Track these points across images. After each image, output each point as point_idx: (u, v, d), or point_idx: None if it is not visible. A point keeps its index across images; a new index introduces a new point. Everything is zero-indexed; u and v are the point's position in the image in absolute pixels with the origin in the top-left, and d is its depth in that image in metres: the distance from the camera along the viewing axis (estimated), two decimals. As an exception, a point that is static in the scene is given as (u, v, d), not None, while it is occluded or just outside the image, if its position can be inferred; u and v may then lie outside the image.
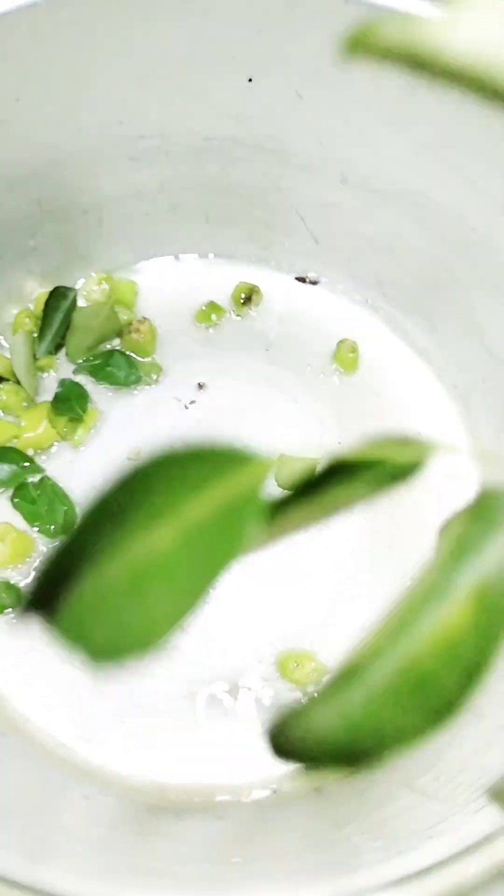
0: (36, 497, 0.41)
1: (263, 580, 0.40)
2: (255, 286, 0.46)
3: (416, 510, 0.40)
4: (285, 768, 0.37)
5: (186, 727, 0.38)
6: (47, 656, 0.39)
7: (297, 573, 0.40)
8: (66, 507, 0.41)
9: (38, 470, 0.41)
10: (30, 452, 0.41)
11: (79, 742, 0.37)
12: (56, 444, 0.42)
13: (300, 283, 0.46)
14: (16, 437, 0.41)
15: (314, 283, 0.46)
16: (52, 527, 0.41)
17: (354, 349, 0.44)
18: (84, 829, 0.34)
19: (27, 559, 0.40)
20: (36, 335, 0.43)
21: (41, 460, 0.42)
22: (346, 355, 0.44)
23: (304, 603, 0.40)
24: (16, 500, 0.41)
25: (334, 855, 0.28)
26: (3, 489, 0.41)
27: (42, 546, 0.40)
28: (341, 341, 0.45)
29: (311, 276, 0.46)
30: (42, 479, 0.41)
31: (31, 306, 0.44)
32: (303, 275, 0.46)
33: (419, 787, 0.33)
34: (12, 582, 0.39)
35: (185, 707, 0.38)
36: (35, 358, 0.43)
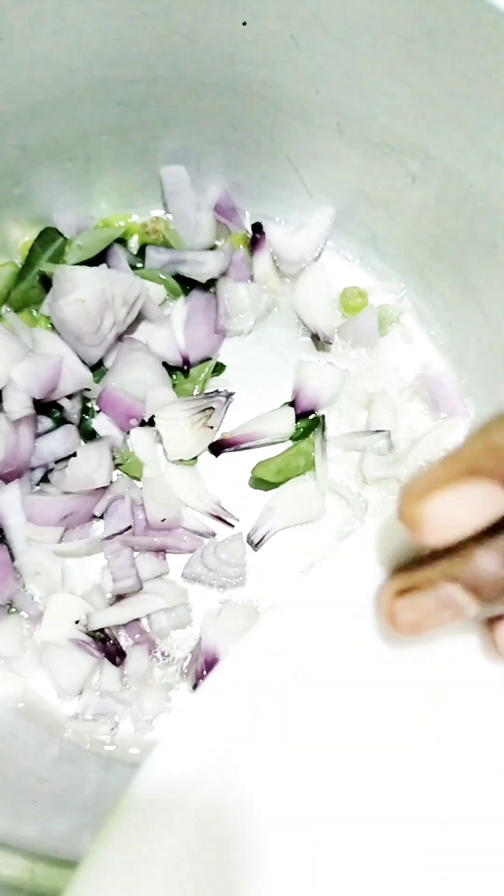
0: None
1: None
2: (245, 234, 0.44)
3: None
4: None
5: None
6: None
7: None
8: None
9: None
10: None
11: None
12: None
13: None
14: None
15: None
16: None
17: (363, 294, 0.44)
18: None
19: None
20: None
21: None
22: (353, 300, 0.44)
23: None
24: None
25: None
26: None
27: None
28: (347, 288, 0.44)
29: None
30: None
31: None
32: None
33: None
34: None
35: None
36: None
